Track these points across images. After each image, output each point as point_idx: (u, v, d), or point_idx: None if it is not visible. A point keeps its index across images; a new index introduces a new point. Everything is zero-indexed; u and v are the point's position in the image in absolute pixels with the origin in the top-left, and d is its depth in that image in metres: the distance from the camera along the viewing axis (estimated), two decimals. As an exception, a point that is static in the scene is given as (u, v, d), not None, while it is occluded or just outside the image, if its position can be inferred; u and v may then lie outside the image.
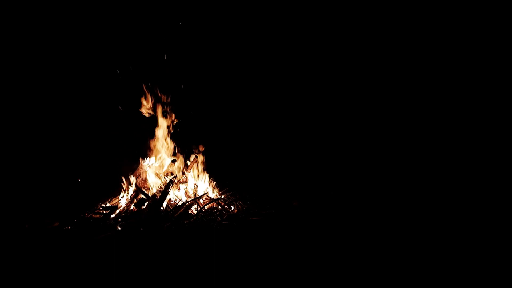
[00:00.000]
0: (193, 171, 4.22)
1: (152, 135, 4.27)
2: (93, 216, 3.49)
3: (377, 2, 5.08)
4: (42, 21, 4.69)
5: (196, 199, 3.74)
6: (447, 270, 2.35)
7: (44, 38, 4.76)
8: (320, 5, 5.16)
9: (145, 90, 4.32)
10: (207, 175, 4.26)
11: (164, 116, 4.32)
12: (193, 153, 4.32)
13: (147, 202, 3.53)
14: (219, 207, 3.77)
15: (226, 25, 5.15)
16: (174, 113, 4.37)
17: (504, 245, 2.67)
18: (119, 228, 3.19)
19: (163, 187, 3.77)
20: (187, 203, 3.66)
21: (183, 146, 4.37)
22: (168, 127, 4.32)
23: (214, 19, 5.08)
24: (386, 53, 5.20)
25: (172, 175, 3.95)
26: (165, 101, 4.34)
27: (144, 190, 3.71)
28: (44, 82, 4.90)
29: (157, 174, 4.05)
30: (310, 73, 5.46)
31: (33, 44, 4.76)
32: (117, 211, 3.56)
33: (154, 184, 3.94)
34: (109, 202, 3.82)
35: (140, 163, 4.16)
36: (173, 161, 4.12)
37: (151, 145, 4.26)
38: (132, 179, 3.96)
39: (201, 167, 4.27)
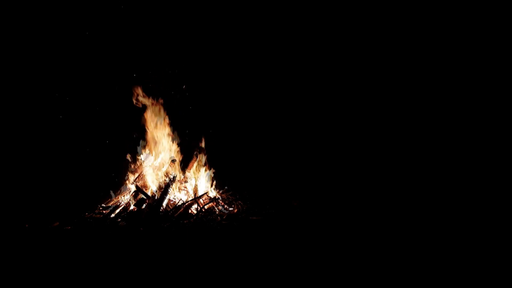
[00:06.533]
0: (193, 171, 4.21)
1: (152, 134, 4.27)
2: (93, 216, 3.49)
3: (377, 2, 5.08)
4: (41, 21, 4.69)
5: (196, 199, 3.74)
6: (446, 270, 2.35)
7: (42, 38, 4.76)
8: (320, 6, 5.16)
9: (146, 89, 4.33)
10: (207, 175, 4.26)
11: (165, 116, 4.31)
12: (193, 152, 4.32)
13: (147, 202, 3.53)
14: (219, 206, 3.77)
15: (227, 25, 5.14)
16: (175, 112, 4.37)
17: (504, 245, 2.67)
18: (119, 228, 3.20)
19: (163, 186, 3.77)
20: (187, 203, 3.66)
21: (183, 146, 4.38)
22: (168, 126, 4.32)
23: (216, 18, 5.08)
24: (386, 54, 5.19)
25: (172, 174, 3.95)
26: (165, 101, 4.34)
27: (144, 190, 3.71)
28: (45, 83, 4.90)
29: (157, 174, 4.05)
30: (310, 74, 5.45)
31: (33, 45, 4.76)
32: (117, 211, 3.56)
33: (154, 183, 3.94)
34: (109, 202, 3.82)
35: (140, 162, 4.16)
36: (173, 161, 4.12)
37: (151, 145, 4.25)
38: (132, 178, 3.96)
39: (201, 166, 4.27)
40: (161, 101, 4.32)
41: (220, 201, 3.88)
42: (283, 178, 4.94)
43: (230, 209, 3.79)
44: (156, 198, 3.57)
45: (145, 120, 4.30)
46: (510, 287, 2.22)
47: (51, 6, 4.66)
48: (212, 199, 3.83)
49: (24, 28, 4.69)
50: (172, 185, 3.77)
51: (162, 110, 4.32)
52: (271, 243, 2.79)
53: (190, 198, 3.81)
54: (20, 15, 4.65)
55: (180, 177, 4.07)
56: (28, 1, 4.62)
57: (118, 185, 4.03)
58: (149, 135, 4.26)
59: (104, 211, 3.59)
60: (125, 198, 3.82)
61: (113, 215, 3.49)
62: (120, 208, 3.60)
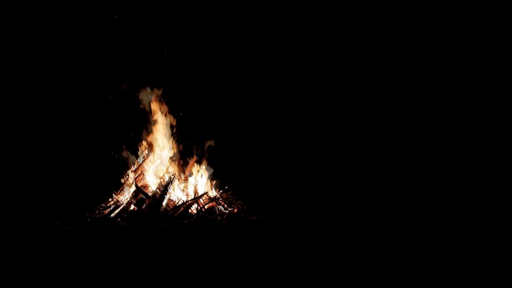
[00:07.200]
0: (193, 170, 4.21)
1: (152, 134, 4.27)
2: (93, 216, 3.49)
3: (377, 2, 5.08)
4: (42, 21, 4.69)
5: (196, 199, 3.74)
6: (446, 270, 2.35)
7: (43, 38, 4.77)
8: (320, 6, 5.16)
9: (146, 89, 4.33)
10: (207, 174, 4.26)
11: (165, 115, 4.31)
12: (193, 152, 4.32)
13: (147, 202, 3.53)
14: (219, 206, 3.77)
15: (228, 25, 5.14)
16: (175, 112, 4.37)
17: (504, 245, 2.68)
18: (119, 228, 3.19)
19: (162, 186, 3.76)
20: (187, 203, 3.66)
21: (184, 145, 4.38)
22: (168, 126, 4.32)
23: (217, 19, 5.08)
24: (386, 54, 5.20)
25: (172, 174, 3.94)
26: (166, 100, 4.34)
27: (144, 190, 3.71)
28: (45, 83, 4.90)
29: (157, 174, 4.05)
30: (310, 74, 5.46)
31: (34, 44, 4.76)
32: (117, 211, 3.56)
33: (154, 183, 3.93)
34: (109, 202, 3.81)
35: (140, 162, 4.16)
36: (172, 160, 4.10)
37: (151, 144, 4.25)
38: (132, 178, 3.96)
39: (201, 166, 4.26)
40: (162, 101, 4.32)
41: (220, 201, 3.87)
42: (283, 178, 4.93)
43: (230, 209, 3.79)
44: (156, 198, 3.56)
45: (145, 119, 4.30)
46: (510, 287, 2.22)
47: (51, 6, 4.65)
48: (212, 199, 3.83)
49: (24, 29, 4.69)
50: (172, 184, 3.77)
51: (162, 110, 4.31)
52: (271, 243, 2.79)
53: (190, 198, 3.80)
54: (20, 15, 4.65)
55: (180, 177, 4.07)
56: (28, 1, 4.62)
57: (118, 185, 4.02)
58: (149, 135, 4.26)
59: (104, 211, 3.59)
60: (125, 198, 3.81)
61: (113, 215, 3.49)
62: (120, 208, 3.60)
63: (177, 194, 3.88)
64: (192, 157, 4.29)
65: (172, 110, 4.36)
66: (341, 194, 4.26)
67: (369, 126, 5.34)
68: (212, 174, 4.29)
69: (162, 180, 3.87)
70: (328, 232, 3.04)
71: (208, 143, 4.37)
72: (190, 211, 3.61)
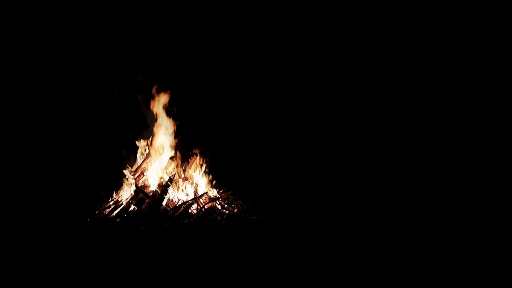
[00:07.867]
0: (193, 170, 4.21)
1: (152, 133, 4.27)
2: (93, 216, 3.49)
3: (377, 2, 5.08)
4: (42, 21, 4.69)
5: (196, 199, 3.74)
6: (446, 270, 2.35)
7: (43, 38, 4.77)
8: (319, 5, 5.16)
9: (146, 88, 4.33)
10: (207, 174, 4.26)
11: (165, 114, 4.31)
12: (193, 151, 4.32)
13: (147, 201, 3.53)
14: (219, 206, 3.77)
15: (228, 25, 5.14)
16: (175, 111, 4.37)
17: (504, 245, 2.67)
18: (119, 228, 3.20)
19: (162, 186, 3.76)
20: (187, 203, 3.66)
21: (183, 145, 4.37)
22: (168, 125, 4.31)
23: (216, 19, 5.08)
24: (386, 53, 5.19)
25: (172, 174, 3.94)
26: (166, 99, 4.33)
27: (144, 190, 3.71)
28: (45, 83, 4.90)
29: (157, 173, 4.04)
30: (310, 73, 5.45)
31: (34, 44, 4.77)
32: (117, 210, 3.56)
33: (154, 183, 3.93)
34: (109, 202, 3.81)
35: (140, 161, 4.16)
36: (172, 158, 4.10)
37: (151, 143, 4.25)
38: (132, 178, 3.96)
39: (201, 166, 4.26)
40: (162, 100, 4.32)
41: (220, 201, 3.87)
42: (283, 178, 4.93)
43: (230, 209, 3.79)
44: (156, 197, 3.56)
45: (145, 119, 4.30)
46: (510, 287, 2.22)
47: (51, 6, 4.66)
48: (212, 199, 3.83)
49: (24, 28, 4.69)
50: (171, 184, 3.77)
51: (162, 109, 4.31)
52: (271, 243, 2.79)
53: (190, 198, 3.80)
54: (20, 15, 4.65)
55: (180, 176, 4.06)
56: (28, 1, 4.63)
57: (118, 185, 4.02)
58: (149, 134, 4.26)
59: (104, 211, 3.59)
60: (125, 198, 3.81)
61: (113, 215, 3.50)
62: (120, 208, 3.60)
63: (177, 194, 3.88)
64: (193, 157, 4.29)
65: (173, 109, 4.36)
66: (341, 194, 4.25)
67: (369, 126, 5.34)
68: (211, 173, 4.29)
69: (162, 180, 3.87)
70: (328, 232, 3.04)
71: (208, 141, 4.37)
72: (190, 211, 3.61)
